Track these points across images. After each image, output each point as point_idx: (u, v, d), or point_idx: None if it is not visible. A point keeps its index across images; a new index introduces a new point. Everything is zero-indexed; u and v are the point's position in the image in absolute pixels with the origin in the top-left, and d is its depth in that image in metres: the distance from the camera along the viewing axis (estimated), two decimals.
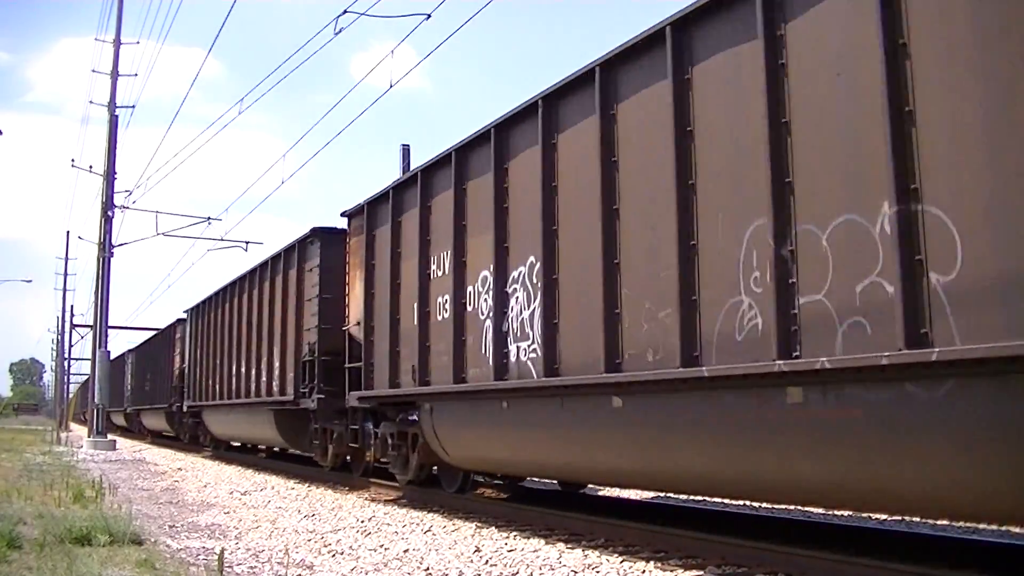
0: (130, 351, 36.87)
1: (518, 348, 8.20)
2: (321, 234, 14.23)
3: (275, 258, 16.54)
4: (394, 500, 11.53)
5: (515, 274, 8.34)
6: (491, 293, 8.64)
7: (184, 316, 25.18)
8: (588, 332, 7.21)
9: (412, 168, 10.42)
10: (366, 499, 11.86)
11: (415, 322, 10.13)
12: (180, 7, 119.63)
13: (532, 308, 8.00)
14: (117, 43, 30.37)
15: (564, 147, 7.78)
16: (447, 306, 9.48)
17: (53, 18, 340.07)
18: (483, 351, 8.73)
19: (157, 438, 33.07)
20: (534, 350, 7.93)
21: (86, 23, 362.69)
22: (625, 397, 6.85)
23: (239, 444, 22.61)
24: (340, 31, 12.42)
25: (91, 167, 31.15)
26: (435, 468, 11.07)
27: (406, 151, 15.55)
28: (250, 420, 17.92)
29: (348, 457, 14.02)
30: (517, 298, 8.27)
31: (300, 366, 14.44)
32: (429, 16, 11.28)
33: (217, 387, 20.19)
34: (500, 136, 8.71)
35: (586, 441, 7.46)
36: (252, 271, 18.05)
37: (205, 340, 21.83)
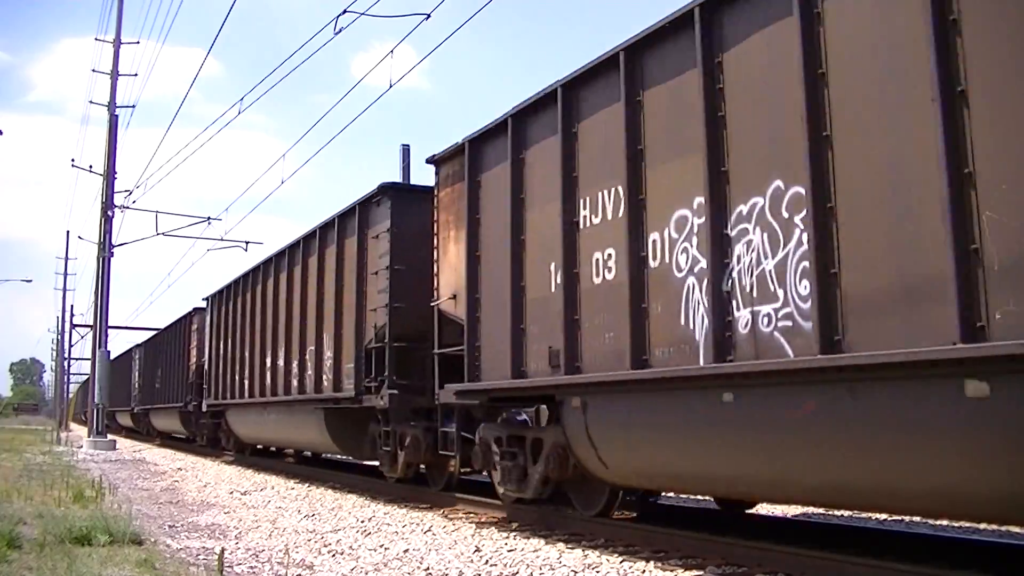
0: (138, 346, 33.81)
1: (753, 314, 5.59)
2: (392, 191, 11.29)
3: (325, 227, 13.45)
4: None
5: (744, 209, 5.73)
6: (698, 239, 6.06)
7: (203, 305, 22.28)
8: (905, 284, 4.66)
9: (547, 85, 7.83)
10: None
11: (553, 289, 7.54)
12: (180, 7, 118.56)
13: (783, 254, 5.40)
14: (117, 43, 29.97)
15: (840, 16, 5.20)
16: (612, 263, 6.91)
17: (54, 18, 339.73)
18: (684, 321, 6.12)
19: (167, 440, 30.10)
20: (788, 315, 5.34)
21: (87, 23, 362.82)
22: (997, 382, 4.27)
23: (262, 448, 19.93)
24: (340, 31, 12.07)
25: (91, 167, 30.72)
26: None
27: (406, 151, 15.04)
28: (290, 421, 15.02)
29: (421, 467, 11.40)
30: (750, 243, 5.66)
31: (363, 355, 11.59)
32: (429, 16, 11.00)
33: (246, 383, 17.22)
34: (709, 18, 6.10)
35: (906, 451, 4.82)
36: (293, 245, 14.99)
37: (231, 330, 18.76)
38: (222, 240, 26.96)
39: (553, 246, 7.53)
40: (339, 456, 16.87)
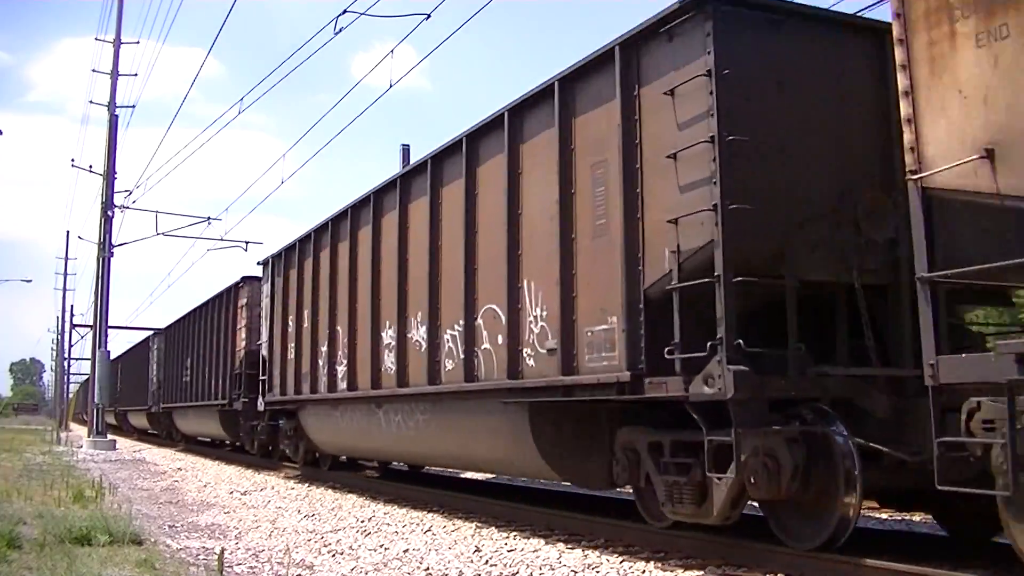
0: (158, 333, 29.17)
1: None
2: (714, 3, 6.10)
3: (519, 108, 8.15)
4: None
5: None
6: None
7: (257, 273, 17.38)
8: None
9: None
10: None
11: None
12: (180, 7, 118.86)
13: None
14: (117, 43, 30.19)
15: None
16: None
17: (54, 18, 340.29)
18: None
19: (193, 445, 26.02)
20: None
21: (87, 23, 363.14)
22: None
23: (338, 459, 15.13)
24: (340, 31, 12.19)
25: (91, 167, 30.94)
26: None
27: (406, 151, 14.73)
28: (439, 427, 9.85)
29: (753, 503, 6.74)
30: None
31: (639, 306, 6.59)
32: (429, 16, 10.99)
33: (338, 371, 12.27)
34: None
35: None
36: (440, 153, 9.68)
37: (308, 298, 13.68)
38: (222, 240, 27.19)
39: None
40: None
